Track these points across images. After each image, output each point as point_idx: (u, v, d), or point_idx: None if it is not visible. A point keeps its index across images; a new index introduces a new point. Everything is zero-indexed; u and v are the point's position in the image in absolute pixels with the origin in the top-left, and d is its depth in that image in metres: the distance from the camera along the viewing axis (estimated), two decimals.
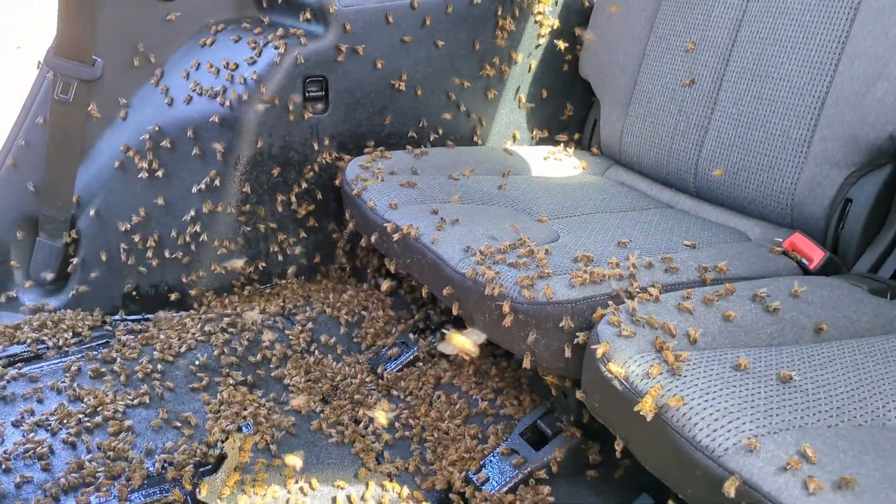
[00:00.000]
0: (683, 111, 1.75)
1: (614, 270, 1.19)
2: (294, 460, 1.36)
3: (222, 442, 1.21)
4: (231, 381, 1.58)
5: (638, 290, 1.15)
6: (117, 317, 1.81)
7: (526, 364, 1.21)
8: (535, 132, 2.10)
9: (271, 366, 1.64)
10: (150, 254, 1.81)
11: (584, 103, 2.11)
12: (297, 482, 1.32)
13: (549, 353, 1.17)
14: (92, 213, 1.83)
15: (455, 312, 1.36)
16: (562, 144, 2.02)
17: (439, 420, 1.47)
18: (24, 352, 1.65)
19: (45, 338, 1.69)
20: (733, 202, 1.65)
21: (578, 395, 1.06)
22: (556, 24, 2.02)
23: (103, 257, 1.82)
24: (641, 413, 0.91)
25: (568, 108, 2.11)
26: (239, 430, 1.21)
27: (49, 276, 1.84)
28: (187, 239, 1.79)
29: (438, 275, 1.39)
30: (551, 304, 1.15)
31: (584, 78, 2.05)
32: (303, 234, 1.89)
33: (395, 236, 1.51)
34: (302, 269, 1.92)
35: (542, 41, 2.02)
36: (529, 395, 1.49)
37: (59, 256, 1.85)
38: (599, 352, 0.99)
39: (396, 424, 1.49)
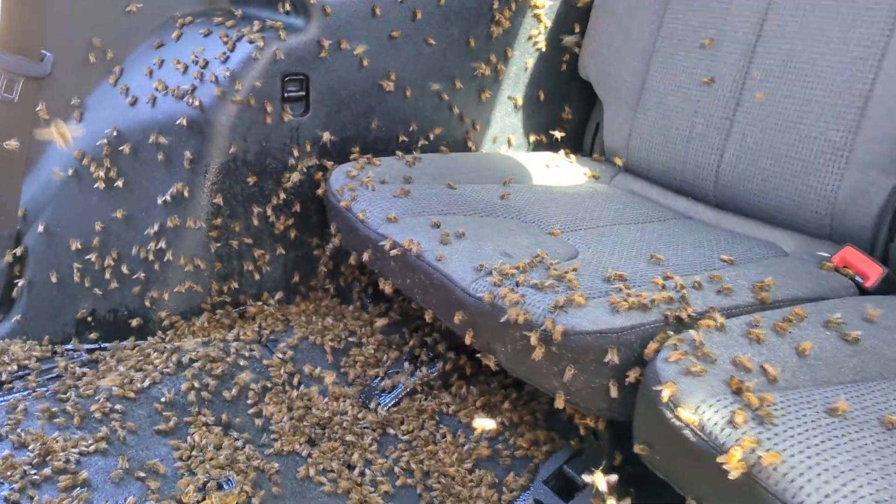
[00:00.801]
0: (700, 112, 1.60)
1: (661, 293, 1.02)
2: None
3: (199, 502, 1.02)
4: (203, 421, 1.37)
5: (694, 315, 0.98)
6: (70, 346, 1.59)
7: (559, 404, 1.03)
8: (531, 137, 1.93)
9: (248, 402, 1.44)
10: (107, 274, 1.59)
11: (583, 106, 1.96)
12: None
13: (590, 392, 1.00)
14: (40, 228, 1.61)
15: (469, 342, 1.18)
16: (562, 151, 1.86)
17: (446, 464, 1.29)
18: None
19: None
20: (760, 212, 1.50)
21: (637, 448, 0.89)
22: (555, 19, 1.87)
23: (53, 279, 1.60)
24: (725, 468, 0.75)
25: (566, 111, 1.96)
26: (219, 487, 1.01)
27: None
28: (150, 257, 1.58)
29: (447, 298, 1.21)
30: (592, 334, 0.98)
31: (584, 78, 1.90)
32: (280, 251, 1.70)
33: (393, 253, 1.32)
34: (279, 290, 1.72)
35: (540, 38, 1.86)
36: (546, 432, 1.32)
37: (1, 278, 1.62)
38: (665, 394, 0.82)
39: (396, 469, 1.30)
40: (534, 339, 1.03)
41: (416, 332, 1.62)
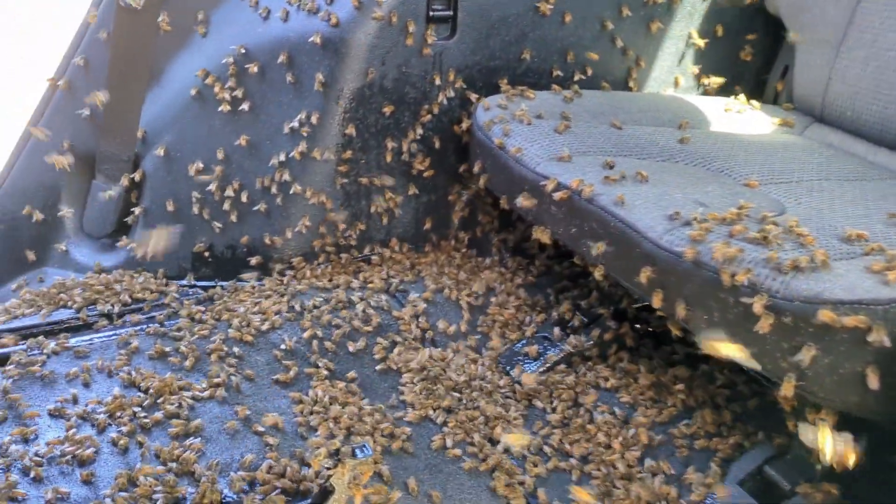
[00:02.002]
0: None
1: None
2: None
3: (330, 469, 0.85)
4: (325, 374, 1.22)
5: None
6: (185, 282, 1.46)
7: (786, 392, 0.81)
8: (702, 78, 1.67)
9: (375, 357, 1.27)
10: (227, 206, 1.45)
11: (767, 45, 1.67)
12: None
13: (836, 381, 0.77)
14: (159, 152, 1.48)
15: (657, 305, 0.96)
16: (741, 95, 1.59)
17: (608, 449, 1.09)
18: (71, 319, 1.32)
19: (97, 303, 1.36)
20: None
21: None
22: None
23: (170, 207, 1.47)
24: None
25: (746, 50, 1.67)
26: (352, 454, 0.85)
27: (105, 227, 1.50)
28: (273, 189, 1.43)
29: (628, 251, 0.99)
30: (848, 305, 0.75)
31: (772, 12, 1.62)
32: (413, 192, 1.51)
33: (557, 196, 1.11)
34: (408, 236, 1.54)
35: None
36: (732, 421, 1.09)
37: (117, 204, 1.51)
38: None
39: (546, 449, 1.11)
40: (758, 307, 0.81)
41: (563, 292, 1.41)
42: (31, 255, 1.53)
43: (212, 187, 1.45)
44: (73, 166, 1.47)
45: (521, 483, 1.04)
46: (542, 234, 1.18)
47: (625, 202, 1.03)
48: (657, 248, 0.95)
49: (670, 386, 1.16)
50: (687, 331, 0.95)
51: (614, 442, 1.09)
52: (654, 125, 1.39)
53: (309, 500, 0.91)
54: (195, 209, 1.46)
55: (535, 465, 1.07)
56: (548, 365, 1.25)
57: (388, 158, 1.47)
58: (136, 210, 1.49)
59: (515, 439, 1.09)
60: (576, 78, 1.56)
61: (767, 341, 0.81)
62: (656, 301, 0.95)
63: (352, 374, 1.22)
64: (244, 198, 1.44)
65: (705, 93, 1.68)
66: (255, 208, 1.44)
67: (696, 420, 1.10)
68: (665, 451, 1.07)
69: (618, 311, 1.29)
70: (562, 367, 1.25)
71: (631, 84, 1.62)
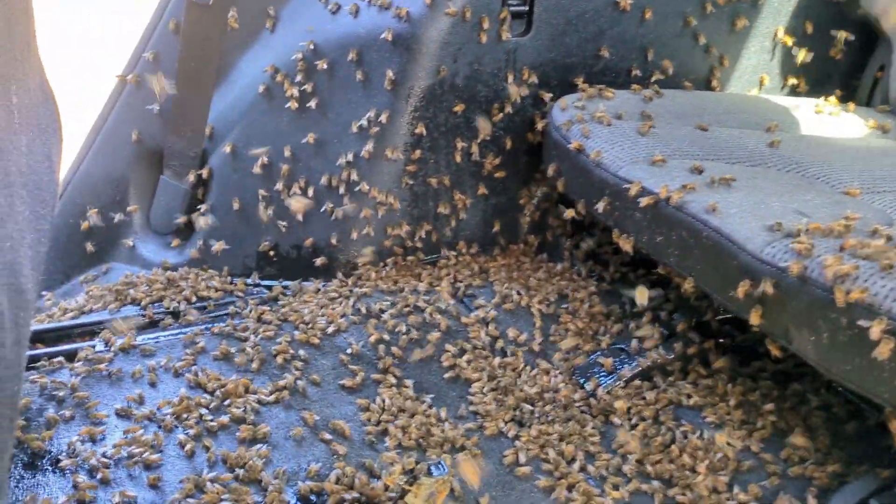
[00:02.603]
0: None
1: None
2: None
3: (406, 484, 0.81)
4: (392, 382, 1.18)
5: None
6: (250, 281, 1.44)
7: None
8: (789, 79, 1.58)
9: (444, 364, 1.23)
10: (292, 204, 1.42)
11: (860, 44, 1.58)
12: None
13: None
14: (227, 149, 1.46)
15: (755, 322, 0.89)
16: (831, 97, 1.50)
17: (693, 473, 1.02)
18: (138, 316, 1.31)
19: (163, 300, 1.35)
20: None
21: None
22: None
23: (236, 205, 1.45)
24: None
25: (837, 48, 1.58)
26: (428, 471, 0.80)
27: (174, 223, 1.49)
28: (341, 189, 1.40)
29: (724, 263, 0.93)
30: None
31: (863, 11, 1.52)
32: (482, 192, 1.46)
33: (643, 202, 1.05)
34: (476, 239, 1.50)
35: None
36: (828, 447, 1.02)
37: (184, 200, 1.50)
38: None
39: (625, 469, 1.05)
40: (876, 332, 0.74)
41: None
42: (94, 249, 1.53)
43: (278, 186, 1.42)
44: (143, 156, 1.47)
45: None
46: (624, 243, 1.12)
47: (718, 210, 0.96)
48: (757, 261, 0.88)
49: (759, 406, 1.09)
50: (787, 351, 0.89)
51: (699, 465, 1.02)
52: (741, 127, 1.32)
53: None
54: (261, 207, 1.44)
55: (616, 489, 1.01)
56: (625, 379, 1.19)
57: (458, 159, 1.43)
58: (203, 207, 1.48)
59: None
60: (655, 77, 1.49)
61: (885, 368, 0.74)
62: (755, 318, 0.89)
63: (419, 381, 1.18)
64: (310, 196, 1.41)
65: (793, 93, 1.59)
66: (322, 209, 1.41)
67: (788, 444, 1.03)
68: (756, 477, 1.00)
69: (701, 323, 1.22)
70: (639, 381, 1.19)
71: (714, 83, 1.54)
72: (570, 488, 1.01)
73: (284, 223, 1.43)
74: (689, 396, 1.14)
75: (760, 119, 1.35)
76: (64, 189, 1.54)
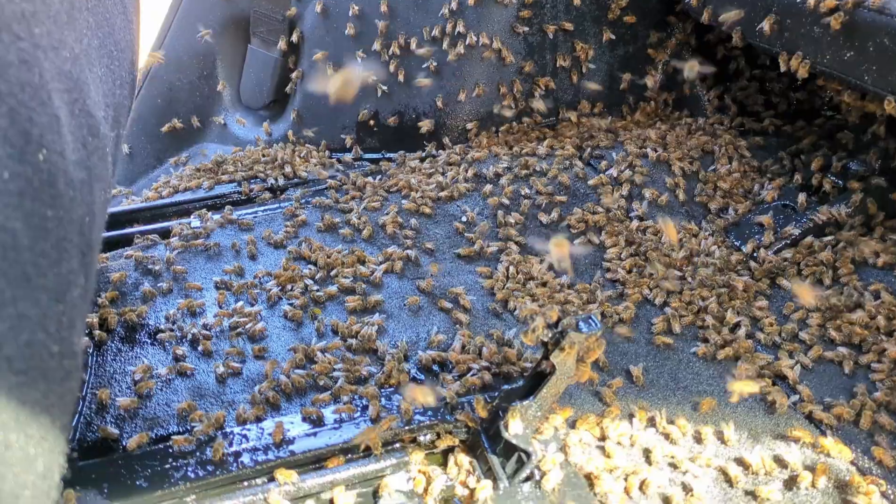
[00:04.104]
0: None
1: None
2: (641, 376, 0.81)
3: (548, 345, 0.67)
4: (515, 249, 1.03)
5: None
6: (351, 154, 1.31)
7: None
8: None
9: (573, 231, 1.07)
10: (392, 67, 1.27)
11: None
12: (654, 424, 0.77)
13: None
14: (317, 8, 1.31)
15: None
16: None
17: (889, 336, 0.84)
18: (234, 193, 1.21)
19: (258, 177, 1.24)
20: None
21: None
22: None
23: (330, 71, 1.31)
24: None
25: None
26: (576, 327, 0.66)
27: (263, 97, 1.38)
28: (445, 44, 1.23)
29: None
30: None
31: None
32: (608, 37, 1.27)
33: (829, 7, 0.84)
34: (601, 97, 1.31)
35: None
36: None
37: (275, 70, 1.37)
38: None
39: (803, 336, 0.87)
40: None
41: (801, 154, 1.13)
42: (195, 123, 1.43)
43: (375, 45, 1.27)
44: (228, 24, 1.34)
45: (779, 374, 0.82)
46: (796, 64, 0.91)
47: None
48: None
49: None
50: None
51: (883, 321, 0.83)
52: None
53: (517, 385, 0.74)
54: (357, 71, 1.29)
55: (791, 356, 0.84)
56: (792, 238, 1.00)
57: (577, 2, 1.23)
58: (294, 75, 1.35)
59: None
60: None
61: None
62: None
63: (542, 248, 1.03)
64: (412, 55, 1.26)
65: None
66: (424, 65, 1.25)
67: None
68: None
69: (886, 169, 1.01)
70: (809, 240, 1.00)
71: None
72: (735, 357, 0.85)
73: (384, 87, 1.28)
74: (876, 255, 0.94)
75: None
76: (147, 71, 1.44)
